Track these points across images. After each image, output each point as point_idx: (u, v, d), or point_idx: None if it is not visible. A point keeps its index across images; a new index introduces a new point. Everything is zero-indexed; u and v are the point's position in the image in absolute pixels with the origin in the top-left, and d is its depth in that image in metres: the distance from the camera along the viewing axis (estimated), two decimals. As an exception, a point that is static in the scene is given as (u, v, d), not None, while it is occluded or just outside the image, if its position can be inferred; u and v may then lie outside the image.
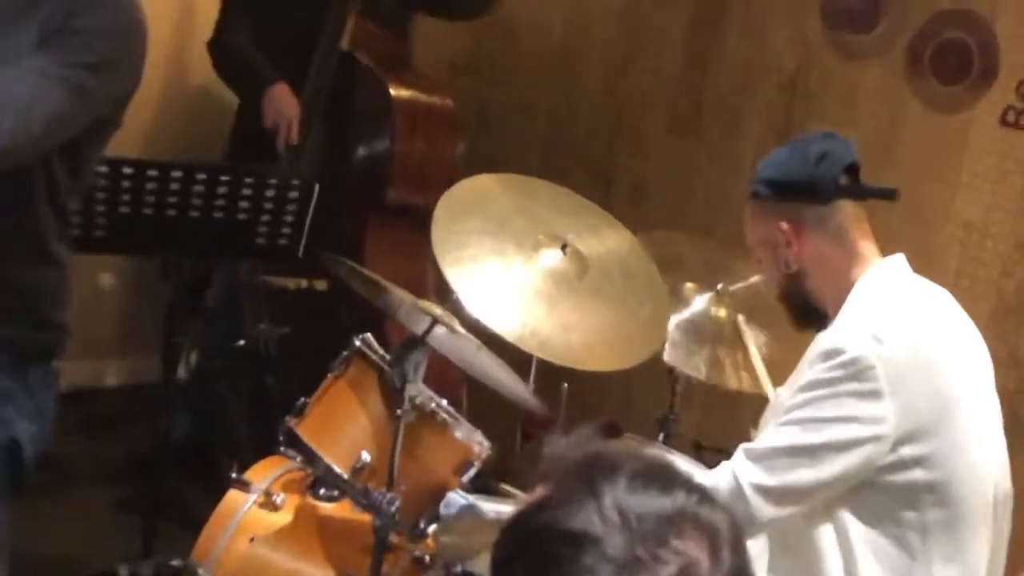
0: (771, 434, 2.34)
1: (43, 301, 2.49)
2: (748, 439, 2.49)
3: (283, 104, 3.85)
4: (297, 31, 3.95)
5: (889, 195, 2.48)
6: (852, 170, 2.41)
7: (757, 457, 2.31)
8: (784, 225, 2.39)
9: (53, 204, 2.43)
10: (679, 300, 3.18)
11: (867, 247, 2.40)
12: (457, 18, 4.24)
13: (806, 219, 2.38)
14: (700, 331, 3.18)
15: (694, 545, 1.04)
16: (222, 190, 3.13)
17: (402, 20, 4.08)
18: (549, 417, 2.92)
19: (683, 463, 3.02)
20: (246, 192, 3.16)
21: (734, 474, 2.30)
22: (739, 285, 3.19)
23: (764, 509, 2.27)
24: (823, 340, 2.33)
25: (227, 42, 4.02)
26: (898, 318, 2.32)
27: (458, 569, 2.75)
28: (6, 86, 2.24)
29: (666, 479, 1.09)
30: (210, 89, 4.49)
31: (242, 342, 3.82)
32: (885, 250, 2.43)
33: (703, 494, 1.09)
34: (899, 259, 2.43)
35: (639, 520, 1.03)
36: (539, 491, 1.15)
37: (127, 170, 2.98)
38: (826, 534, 2.33)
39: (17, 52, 2.29)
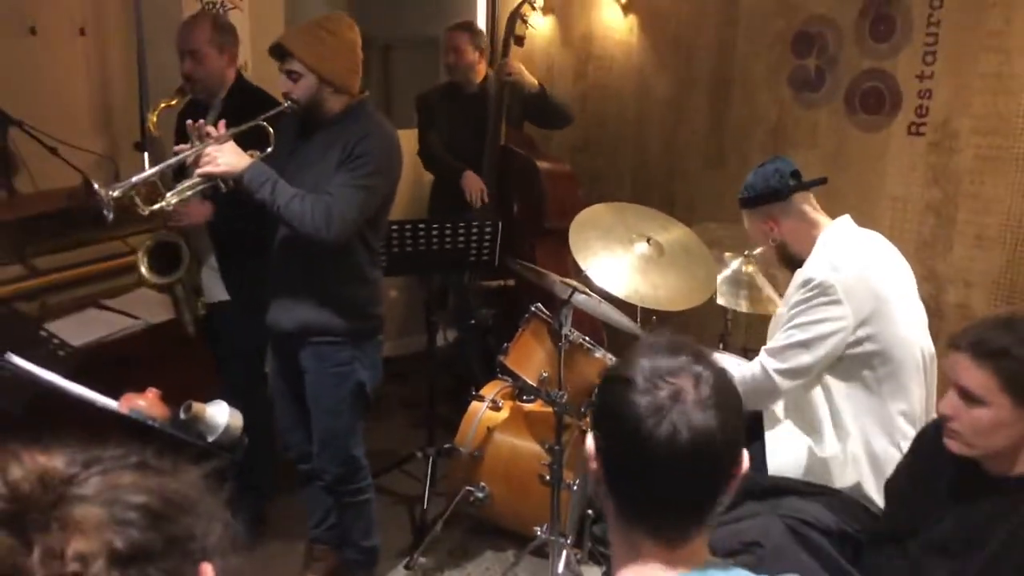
0: (779, 337, 2.33)
1: (365, 303, 2.55)
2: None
3: (474, 183, 3.84)
4: (467, 136, 3.91)
5: (821, 182, 2.46)
6: (796, 175, 2.40)
7: (773, 353, 2.32)
8: (766, 219, 2.41)
9: (366, 246, 2.50)
10: (721, 264, 3.13)
11: (819, 217, 2.40)
12: (549, 128, 4.17)
13: (777, 212, 2.39)
14: (737, 282, 3.13)
15: (683, 381, 1.06)
16: (448, 232, 3.18)
17: (521, 123, 4.03)
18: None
19: (732, 359, 3.01)
20: (461, 232, 3.21)
21: (761, 364, 2.32)
22: (758, 251, 3.14)
23: (783, 383, 2.29)
24: (800, 274, 2.33)
25: (427, 150, 3.99)
26: (845, 252, 2.31)
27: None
28: (333, 201, 2.32)
29: (676, 349, 1.11)
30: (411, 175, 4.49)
31: (472, 320, 3.89)
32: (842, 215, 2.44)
33: (699, 357, 1.10)
34: (845, 218, 2.41)
35: (652, 369, 1.06)
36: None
37: (394, 226, 3.05)
38: (817, 393, 2.32)
39: (327, 174, 2.37)
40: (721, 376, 1.10)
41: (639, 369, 1.08)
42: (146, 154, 3.27)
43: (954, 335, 1.61)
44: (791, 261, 2.46)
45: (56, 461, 0.71)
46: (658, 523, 1.08)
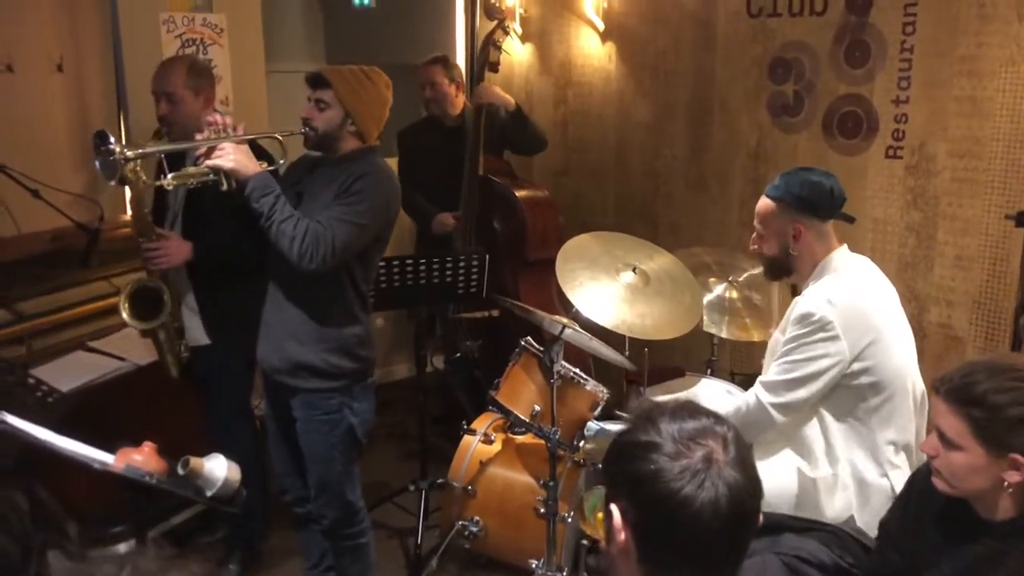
0: (775, 370, 2.34)
1: (354, 345, 2.54)
2: (760, 369, 2.50)
3: (442, 222, 3.91)
4: (449, 169, 3.90)
5: (850, 220, 2.48)
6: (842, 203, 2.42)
7: (769, 387, 2.33)
8: (797, 225, 2.36)
9: (355, 288, 2.52)
10: (706, 289, 3.14)
11: (833, 242, 2.40)
12: (526, 153, 4.19)
13: (810, 225, 2.37)
14: (721, 307, 3.14)
15: (711, 443, 1.07)
16: (435, 266, 3.19)
17: (500, 150, 4.04)
18: (639, 371, 2.94)
19: (723, 386, 3.03)
20: (449, 266, 3.22)
21: (757, 397, 2.33)
22: (744, 276, 3.16)
23: (778, 417, 2.31)
24: (800, 306, 2.33)
25: (404, 198, 4.01)
26: (842, 286, 2.32)
27: (599, 465, 2.70)
28: (322, 228, 2.34)
29: (694, 412, 1.12)
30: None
31: (458, 354, 3.86)
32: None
33: (718, 418, 1.12)
34: (844, 248, 2.42)
35: (679, 432, 1.07)
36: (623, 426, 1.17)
37: (382, 262, 3.02)
38: (812, 424, 2.34)
39: (326, 204, 2.41)
40: (737, 433, 1.12)
41: (664, 433, 1.08)
42: (127, 187, 3.25)
43: (936, 378, 1.63)
44: (780, 271, 2.48)
45: None
46: None
